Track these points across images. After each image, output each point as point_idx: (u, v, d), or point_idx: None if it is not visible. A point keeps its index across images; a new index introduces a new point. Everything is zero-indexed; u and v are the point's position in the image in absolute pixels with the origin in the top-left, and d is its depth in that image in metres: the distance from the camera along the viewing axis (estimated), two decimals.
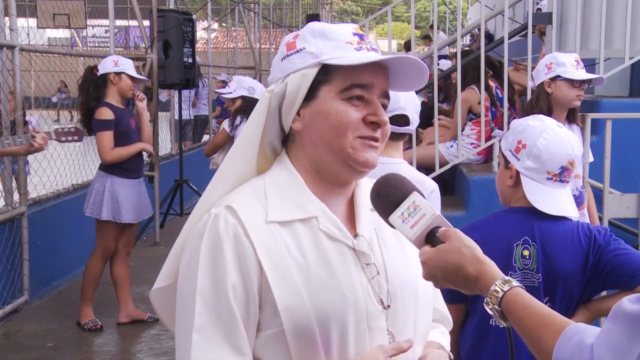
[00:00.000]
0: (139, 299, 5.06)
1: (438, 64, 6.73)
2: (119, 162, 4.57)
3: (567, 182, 2.06)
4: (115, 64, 4.61)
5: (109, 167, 4.59)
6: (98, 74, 4.63)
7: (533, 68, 5.13)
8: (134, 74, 4.69)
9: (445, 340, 1.43)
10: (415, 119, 2.42)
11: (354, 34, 1.27)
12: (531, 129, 2.06)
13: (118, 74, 4.60)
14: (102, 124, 4.51)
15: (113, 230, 4.66)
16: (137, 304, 4.90)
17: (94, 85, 4.63)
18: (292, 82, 1.25)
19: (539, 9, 7.17)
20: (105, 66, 4.62)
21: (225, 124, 5.12)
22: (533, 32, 5.14)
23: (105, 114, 4.52)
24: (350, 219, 1.31)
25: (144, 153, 4.97)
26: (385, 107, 1.27)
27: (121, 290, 4.79)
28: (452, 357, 1.36)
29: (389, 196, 1.22)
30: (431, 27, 13.58)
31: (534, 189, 2.04)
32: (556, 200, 2.03)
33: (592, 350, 1.02)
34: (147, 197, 4.86)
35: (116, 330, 4.75)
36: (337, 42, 1.25)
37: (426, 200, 1.22)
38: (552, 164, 2.02)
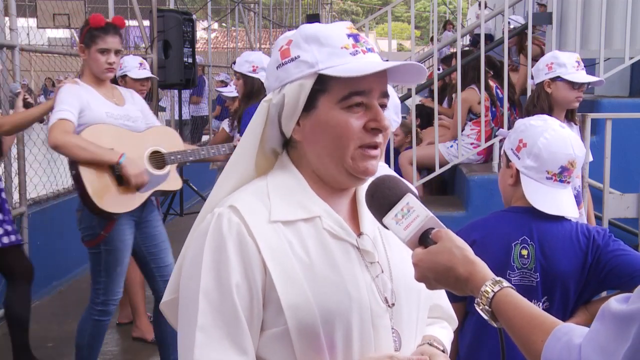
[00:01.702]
0: None
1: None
2: None
3: (568, 182, 2.06)
4: (120, 67, 4.50)
5: None
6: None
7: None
8: (134, 74, 4.55)
9: (445, 335, 1.42)
10: (392, 119, 2.37)
11: (348, 35, 1.24)
12: (533, 128, 2.07)
13: (122, 76, 4.53)
14: None
15: None
16: None
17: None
18: (289, 93, 1.24)
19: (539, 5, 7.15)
20: (118, 70, 4.53)
21: (225, 124, 5.11)
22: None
23: None
24: (354, 218, 1.31)
25: None
26: (384, 106, 1.26)
27: (135, 302, 4.67)
28: (441, 348, 1.35)
29: (384, 197, 1.22)
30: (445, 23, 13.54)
31: (533, 188, 2.04)
32: (555, 200, 2.03)
33: (580, 350, 1.02)
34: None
35: (116, 330, 4.75)
36: (331, 48, 1.23)
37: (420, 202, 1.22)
38: (551, 163, 2.02)
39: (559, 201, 2.04)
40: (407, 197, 1.21)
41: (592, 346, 1.00)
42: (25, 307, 3.87)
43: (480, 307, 1.17)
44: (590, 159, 3.79)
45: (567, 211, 2.05)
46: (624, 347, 0.93)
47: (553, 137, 2.03)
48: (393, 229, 1.22)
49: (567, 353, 1.04)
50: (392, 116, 2.35)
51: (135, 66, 4.56)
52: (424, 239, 1.21)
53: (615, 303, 0.98)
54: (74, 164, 3.25)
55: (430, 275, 1.20)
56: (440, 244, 1.19)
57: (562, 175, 2.04)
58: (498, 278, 1.17)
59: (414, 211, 1.20)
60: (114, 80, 4.51)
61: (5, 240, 3.77)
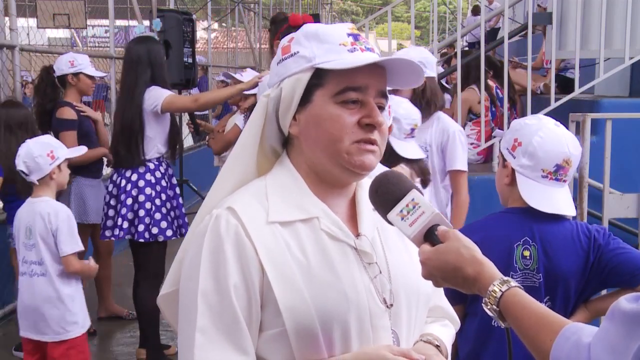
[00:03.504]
0: None
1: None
2: (82, 163, 4.48)
3: (564, 180, 2.05)
4: (72, 64, 4.53)
5: (74, 168, 4.43)
6: (55, 75, 4.56)
7: (533, 68, 5.15)
8: (91, 72, 4.63)
9: (444, 333, 1.41)
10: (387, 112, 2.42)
11: (349, 35, 1.25)
12: (527, 127, 2.06)
13: (76, 74, 4.54)
14: (66, 124, 4.45)
15: (83, 231, 4.61)
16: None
17: (51, 86, 4.57)
18: (286, 87, 1.25)
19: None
20: (62, 67, 4.54)
21: (239, 121, 5.01)
22: (534, 32, 5.14)
23: (69, 113, 4.46)
24: (352, 219, 1.31)
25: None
26: (382, 107, 1.26)
27: (102, 288, 4.87)
28: (436, 343, 1.34)
29: (388, 193, 1.21)
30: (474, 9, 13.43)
31: (529, 186, 2.04)
32: (551, 199, 2.02)
33: (589, 349, 1.02)
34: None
35: (116, 330, 4.75)
36: (330, 45, 1.24)
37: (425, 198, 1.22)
38: (546, 161, 2.01)
39: (555, 200, 2.03)
40: (412, 193, 1.20)
41: (602, 345, 1.00)
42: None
43: (488, 307, 1.17)
44: (587, 160, 3.78)
45: (563, 209, 2.04)
46: (635, 346, 0.93)
47: (548, 135, 2.02)
48: (398, 225, 1.21)
49: (576, 352, 1.04)
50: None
51: (89, 64, 4.65)
52: (429, 235, 1.20)
53: (626, 302, 0.98)
54: None
55: (438, 274, 1.20)
56: (448, 243, 1.19)
57: (557, 173, 2.02)
58: (506, 278, 1.17)
59: (419, 207, 1.19)
60: (62, 79, 4.52)
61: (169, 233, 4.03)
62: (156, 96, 3.96)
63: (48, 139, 3.40)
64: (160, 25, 5.79)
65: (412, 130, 2.87)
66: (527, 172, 2.04)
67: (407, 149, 2.79)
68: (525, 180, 2.04)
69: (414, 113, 2.93)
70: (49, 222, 3.18)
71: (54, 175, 3.24)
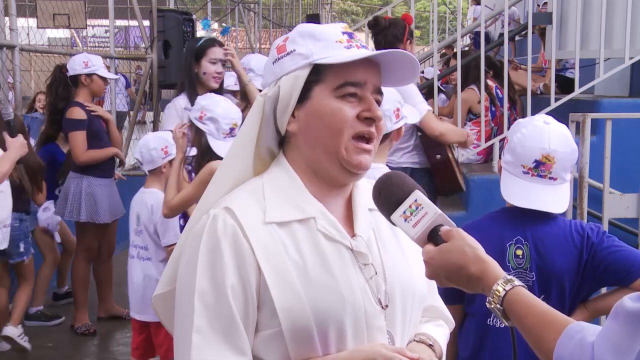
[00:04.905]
0: None
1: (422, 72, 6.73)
2: (93, 163, 4.52)
3: (551, 178, 2.01)
4: (86, 65, 4.56)
5: (83, 168, 4.53)
6: (68, 74, 4.58)
7: (533, 69, 5.15)
8: (104, 73, 4.66)
9: (438, 332, 1.42)
10: (394, 116, 2.39)
11: (343, 33, 1.27)
12: (518, 125, 2.09)
13: (89, 75, 4.57)
14: (75, 124, 4.46)
15: (93, 231, 4.63)
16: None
17: (63, 86, 4.59)
18: (284, 85, 1.26)
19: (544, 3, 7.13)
20: (75, 67, 4.57)
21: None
22: (533, 32, 5.14)
23: (78, 113, 4.47)
24: (349, 219, 1.31)
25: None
26: (379, 103, 1.28)
27: (102, 289, 4.87)
28: (429, 342, 1.34)
29: (391, 194, 1.22)
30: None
31: (509, 181, 2.04)
32: (530, 195, 2.00)
33: (593, 348, 1.03)
34: (118, 195, 4.79)
35: (116, 330, 4.75)
36: (326, 42, 1.25)
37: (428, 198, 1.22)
38: (525, 157, 2.00)
39: (536, 196, 2.00)
40: (414, 193, 1.21)
41: (606, 344, 1.00)
42: None
43: (492, 306, 1.17)
44: (587, 160, 3.78)
45: (547, 206, 2.00)
46: (638, 345, 0.94)
47: (529, 131, 2.01)
48: (401, 227, 1.21)
49: (579, 351, 1.04)
50: (391, 114, 2.38)
51: (102, 66, 4.70)
52: (432, 235, 1.20)
53: (629, 301, 0.99)
54: (443, 149, 3.66)
55: (442, 273, 1.20)
56: (452, 242, 1.19)
57: (538, 169, 2.00)
58: (509, 277, 1.18)
59: (422, 208, 1.20)
60: (74, 78, 4.56)
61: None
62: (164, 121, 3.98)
63: (167, 135, 3.58)
64: (209, 26, 5.81)
65: (232, 130, 2.85)
66: (510, 168, 2.05)
67: (226, 149, 2.79)
68: (508, 176, 2.05)
69: (234, 112, 2.91)
70: (152, 213, 3.41)
71: (164, 169, 3.46)
